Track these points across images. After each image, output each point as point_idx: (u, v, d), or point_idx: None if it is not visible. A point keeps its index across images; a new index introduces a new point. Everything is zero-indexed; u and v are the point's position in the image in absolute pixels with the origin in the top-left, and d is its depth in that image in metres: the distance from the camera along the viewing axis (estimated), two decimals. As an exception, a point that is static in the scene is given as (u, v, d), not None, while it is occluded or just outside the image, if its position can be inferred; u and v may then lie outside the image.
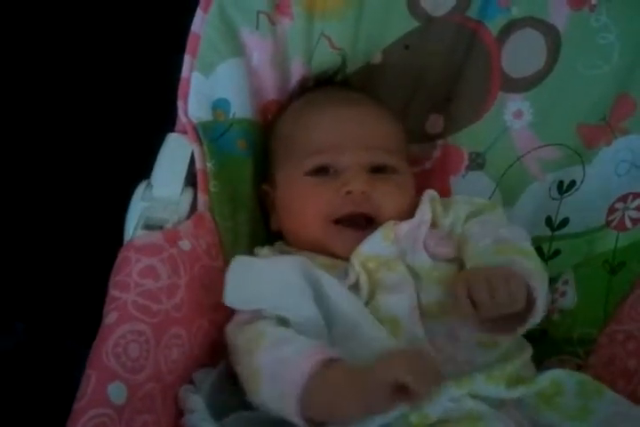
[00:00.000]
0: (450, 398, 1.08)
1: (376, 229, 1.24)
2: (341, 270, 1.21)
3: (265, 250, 1.28)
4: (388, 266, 1.21)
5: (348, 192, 1.24)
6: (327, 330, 1.12)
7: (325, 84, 1.40)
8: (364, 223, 1.25)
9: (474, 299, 1.07)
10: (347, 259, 1.22)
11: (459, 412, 1.09)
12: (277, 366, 1.06)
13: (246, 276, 1.17)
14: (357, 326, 1.13)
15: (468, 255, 1.20)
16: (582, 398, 1.13)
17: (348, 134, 1.28)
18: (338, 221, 1.25)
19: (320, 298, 1.14)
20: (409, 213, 1.27)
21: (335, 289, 1.15)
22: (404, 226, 1.24)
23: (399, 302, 1.17)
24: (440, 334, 1.15)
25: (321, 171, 1.27)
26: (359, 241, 1.23)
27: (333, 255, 1.25)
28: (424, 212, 1.26)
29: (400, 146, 1.33)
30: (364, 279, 1.19)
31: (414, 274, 1.21)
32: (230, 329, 1.17)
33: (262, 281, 1.16)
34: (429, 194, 1.30)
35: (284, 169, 1.32)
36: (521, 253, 1.17)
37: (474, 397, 1.10)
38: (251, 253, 1.29)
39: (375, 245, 1.23)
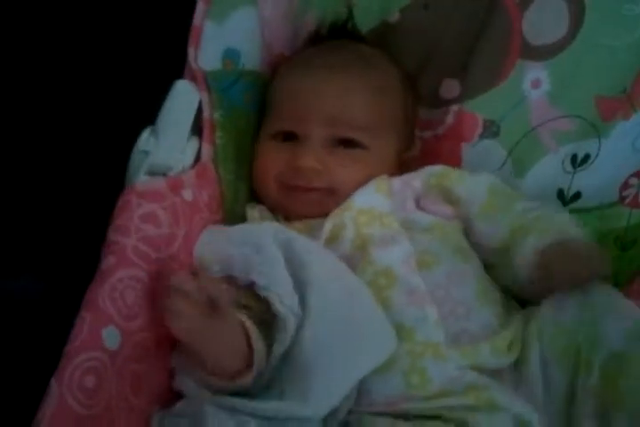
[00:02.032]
0: (456, 367, 1.07)
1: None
2: (317, 229, 1.20)
3: (255, 212, 1.26)
4: (381, 221, 1.20)
5: (298, 167, 1.22)
6: (297, 294, 1.08)
7: (335, 37, 1.37)
8: None
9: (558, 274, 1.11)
10: (325, 216, 1.21)
11: (461, 383, 1.07)
12: None
13: (216, 244, 1.15)
14: (330, 282, 1.09)
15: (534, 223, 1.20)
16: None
17: (315, 105, 1.24)
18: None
19: (292, 262, 1.11)
20: None
21: (306, 248, 1.12)
22: (396, 181, 1.25)
23: (393, 253, 1.16)
24: (439, 285, 1.14)
25: (289, 136, 1.26)
26: (318, 201, 1.23)
27: (311, 216, 1.23)
28: (415, 177, 1.27)
29: (380, 119, 1.27)
30: (350, 233, 1.18)
31: (407, 228, 1.20)
32: None
33: (232, 248, 1.13)
34: (429, 169, 1.29)
35: (261, 128, 1.31)
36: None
37: (475, 368, 1.09)
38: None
39: (368, 198, 1.22)
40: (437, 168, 1.30)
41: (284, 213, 1.27)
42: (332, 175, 1.23)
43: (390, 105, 1.30)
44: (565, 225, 1.19)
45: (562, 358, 1.09)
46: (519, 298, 1.21)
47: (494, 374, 1.11)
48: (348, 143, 1.25)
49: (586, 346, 1.07)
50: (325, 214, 1.21)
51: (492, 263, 1.22)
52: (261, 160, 1.28)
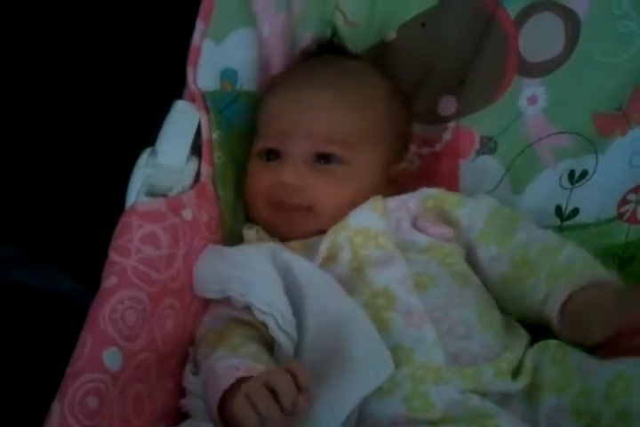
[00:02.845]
0: (458, 391, 1.06)
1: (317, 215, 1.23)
2: (314, 249, 1.19)
3: (253, 232, 1.26)
4: (376, 241, 1.19)
5: (280, 183, 1.22)
6: (295, 318, 1.08)
7: (324, 53, 1.37)
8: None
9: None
10: (318, 234, 1.21)
11: (465, 409, 1.05)
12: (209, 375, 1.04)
13: (215, 265, 1.15)
14: (327, 305, 1.09)
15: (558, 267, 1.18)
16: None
17: (294, 120, 1.24)
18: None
19: (290, 283, 1.11)
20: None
21: (303, 270, 1.12)
22: (392, 201, 1.24)
23: (389, 273, 1.15)
24: (438, 306, 1.13)
25: (272, 154, 1.26)
26: (299, 220, 1.23)
27: (300, 236, 1.23)
28: (411, 198, 1.26)
29: (362, 134, 1.25)
30: (347, 254, 1.18)
31: (403, 249, 1.19)
32: (204, 320, 1.15)
33: (231, 269, 1.13)
34: (426, 191, 1.28)
35: (251, 147, 1.31)
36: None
37: (478, 393, 1.07)
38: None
39: (364, 217, 1.21)
40: (434, 191, 1.28)
41: (276, 234, 1.26)
42: (312, 192, 1.22)
43: (373, 119, 1.28)
44: (583, 266, 1.17)
45: (578, 414, 1.06)
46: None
47: (503, 399, 1.10)
48: (327, 158, 1.24)
49: (610, 416, 1.03)
50: (317, 233, 1.21)
51: (498, 296, 1.22)
52: (249, 180, 1.28)
